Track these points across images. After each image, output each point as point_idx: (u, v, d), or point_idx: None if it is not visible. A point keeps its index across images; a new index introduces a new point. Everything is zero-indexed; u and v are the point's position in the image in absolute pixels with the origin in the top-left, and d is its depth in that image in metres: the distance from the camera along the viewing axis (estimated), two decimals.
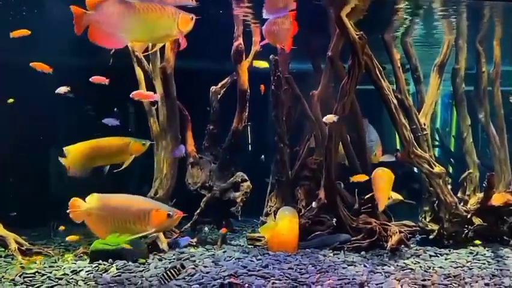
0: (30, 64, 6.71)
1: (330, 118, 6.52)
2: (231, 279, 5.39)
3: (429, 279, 5.48)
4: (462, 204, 7.40)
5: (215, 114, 7.88)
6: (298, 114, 8.23)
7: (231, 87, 7.97)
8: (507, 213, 7.39)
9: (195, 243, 7.26)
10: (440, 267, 6.11)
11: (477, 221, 7.28)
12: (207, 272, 5.77)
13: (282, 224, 7.04)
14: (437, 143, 11.97)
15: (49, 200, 9.54)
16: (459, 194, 7.77)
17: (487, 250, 7.00)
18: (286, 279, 5.45)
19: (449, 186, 7.20)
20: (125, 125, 9.73)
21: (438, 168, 6.98)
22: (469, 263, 6.33)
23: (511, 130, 8.66)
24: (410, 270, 5.90)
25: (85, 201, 5.10)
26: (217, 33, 7.45)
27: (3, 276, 5.69)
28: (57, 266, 6.18)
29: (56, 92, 6.82)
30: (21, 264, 6.31)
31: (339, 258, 6.51)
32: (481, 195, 7.43)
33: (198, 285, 5.31)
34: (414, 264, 6.24)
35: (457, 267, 6.13)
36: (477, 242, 7.18)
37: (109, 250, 6.35)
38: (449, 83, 8.72)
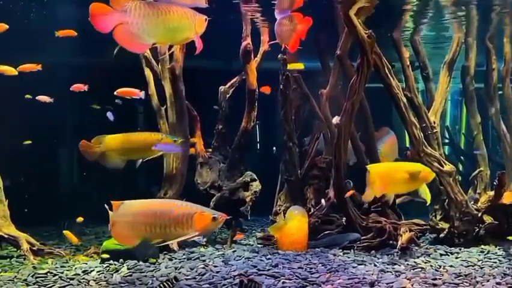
0: (18, 68, 6.75)
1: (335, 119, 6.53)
2: (250, 276, 5.35)
3: (440, 278, 5.43)
4: (472, 202, 7.36)
5: (224, 114, 7.90)
6: (307, 113, 8.25)
7: (240, 87, 7.98)
8: None
9: (204, 243, 7.25)
10: (451, 266, 6.08)
11: (488, 219, 7.24)
12: (217, 272, 5.78)
13: (292, 224, 7.05)
14: (446, 140, 11.91)
15: (60, 199, 9.64)
16: (469, 192, 7.73)
17: (498, 249, 6.95)
18: (296, 279, 5.44)
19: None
20: (135, 125, 9.83)
21: (448, 167, 6.95)
22: (480, 261, 6.29)
23: None
24: (420, 269, 5.87)
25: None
26: (225, 33, 7.54)
27: (15, 276, 5.74)
28: (68, 266, 6.22)
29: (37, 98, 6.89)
30: (33, 264, 6.36)
31: (349, 258, 6.50)
32: (491, 193, 7.38)
33: (208, 285, 5.30)
34: (425, 263, 6.21)
35: (468, 266, 6.09)
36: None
37: (120, 250, 6.35)
38: (459, 80, 8.70)
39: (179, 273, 5.77)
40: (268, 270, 5.81)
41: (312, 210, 7.47)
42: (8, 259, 6.71)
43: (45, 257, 6.72)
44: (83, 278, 5.62)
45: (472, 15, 7.76)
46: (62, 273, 5.83)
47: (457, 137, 12.92)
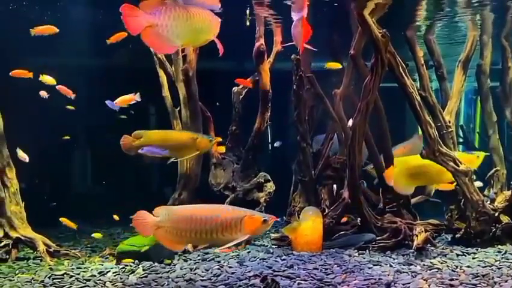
0: (11, 73, 6.80)
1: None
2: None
3: (457, 279, 5.39)
4: (489, 202, 7.29)
5: (237, 114, 7.93)
6: (321, 113, 8.24)
7: (253, 87, 7.99)
8: None
9: None
10: (468, 266, 6.02)
11: (505, 219, 7.17)
12: (232, 273, 5.78)
13: (306, 224, 7.03)
14: (461, 139, 11.82)
15: (74, 201, 9.70)
16: (485, 192, 7.67)
17: None
18: (311, 280, 5.43)
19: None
20: (148, 127, 9.87)
21: (464, 166, 6.86)
22: (498, 262, 6.22)
23: None
24: (437, 270, 5.82)
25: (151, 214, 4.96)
26: (239, 33, 7.55)
27: (33, 278, 5.79)
28: (84, 268, 6.26)
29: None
30: (49, 265, 6.41)
31: (364, 258, 6.47)
32: (508, 193, 7.31)
33: (224, 286, 5.31)
34: (441, 263, 6.15)
35: (485, 266, 6.02)
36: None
37: (135, 251, 6.40)
38: (472, 79, 8.64)
39: (195, 274, 5.78)
40: (284, 271, 5.80)
41: (326, 210, 7.46)
42: (25, 260, 6.76)
43: (62, 258, 6.79)
44: (99, 279, 5.66)
45: (487, 13, 7.68)
46: (78, 274, 5.87)
47: (471, 136, 12.79)
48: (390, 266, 6.06)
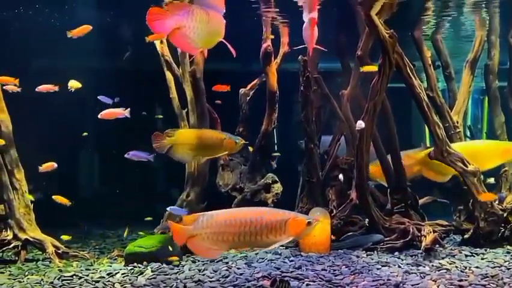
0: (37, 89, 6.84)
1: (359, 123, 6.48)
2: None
3: (466, 280, 5.37)
4: (497, 202, 7.25)
5: (244, 116, 7.96)
6: (328, 114, 8.24)
7: (260, 89, 8.04)
8: None
9: None
10: (477, 267, 6.00)
11: None
12: (241, 274, 5.78)
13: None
14: (469, 140, 11.79)
15: (82, 202, 9.71)
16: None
17: None
18: (320, 281, 5.42)
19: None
20: (156, 129, 9.90)
21: (472, 166, 6.85)
22: (507, 262, 6.18)
23: None
24: (445, 271, 5.80)
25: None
26: (245, 34, 7.57)
27: (42, 279, 5.82)
28: (93, 269, 6.30)
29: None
30: (58, 267, 6.45)
31: (372, 259, 6.45)
32: None
33: (232, 287, 5.32)
34: (450, 264, 6.13)
35: (494, 267, 6.00)
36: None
37: (143, 252, 6.44)
38: (479, 79, 8.62)
39: (203, 275, 5.79)
40: (292, 272, 5.79)
41: (334, 211, 7.43)
42: (34, 262, 6.81)
43: (70, 260, 6.84)
44: (108, 281, 5.68)
45: (495, 12, 7.66)
46: (87, 275, 5.89)
47: (478, 136, 12.76)
48: (399, 266, 6.05)
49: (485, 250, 6.83)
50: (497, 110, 8.12)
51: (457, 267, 6.00)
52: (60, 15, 7.74)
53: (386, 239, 6.93)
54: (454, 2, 7.38)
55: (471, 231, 7.10)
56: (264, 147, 7.79)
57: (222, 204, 7.38)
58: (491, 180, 7.58)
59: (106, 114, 6.83)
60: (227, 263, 6.39)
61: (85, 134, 7.39)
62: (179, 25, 4.59)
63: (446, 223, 7.25)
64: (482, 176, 6.94)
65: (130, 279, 5.73)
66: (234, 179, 7.80)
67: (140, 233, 7.49)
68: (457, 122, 7.56)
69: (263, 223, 4.70)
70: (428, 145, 7.56)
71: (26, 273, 6.20)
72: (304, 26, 5.93)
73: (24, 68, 7.08)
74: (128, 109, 6.91)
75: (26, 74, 6.93)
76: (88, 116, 8.46)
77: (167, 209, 7.16)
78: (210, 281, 5.55)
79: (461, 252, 6.70)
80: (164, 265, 6.28)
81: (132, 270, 6.10)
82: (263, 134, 7.72)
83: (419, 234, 6.84)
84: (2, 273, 6.24)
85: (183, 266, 6.28)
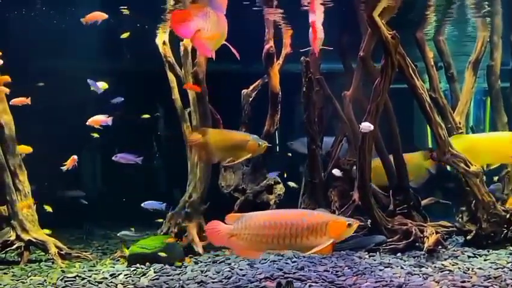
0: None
1: (365, 126, 6.45)
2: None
3: (469, 281, 5.38)
4: (500, 203, 7.25)
5: (246, 117, 7.91)
6: (330, 115, 8.25)
7: (262, 90, 8.01)
8: None
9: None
10: (480, 268, 5.99)
11: None
12: (243, 275, 5.80)
13: None
14: None
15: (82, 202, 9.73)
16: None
17: None
18: (323, 282, 5.44)
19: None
20: (157, 130, 9.90)
21: (475, 167, 6.85)
22: (510, 263, 6.17)
23: None
24: (448, 272, 5.81)
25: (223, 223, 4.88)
26: (247, 35, 7.58)
27: (45, 280, 5.85)
28: (96, 270, 6.32)
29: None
30: (61, 268, 6.47)
31: (375, 260, 6.45)
32: None
33: None
34: (453, 265, 6.14)
35: (497, 268, 5.99)
36: None
37: (146, 253, 6.46)
38: (481, 80, 8.61)
39: (206, 276, 5.81)
40: (294, 273, 5.80)
41: (336, 212, 7.44)
42: (37, 263, 6.84)
43: (73, 260, 6.87)
44: (111, 282, 5.70)
45: (497, 11, 7.66)
46: (90, 276, 5.92)
47: None
48: (402, 268, 6.05)
49: (488, 251, 6.82)
50: (499, 111, 8.11)
51: (459, 268, 6.00)
52: (62, 15, 7.74)
53: (388, 240, 6.94)
54: (457, 2, 7.37)
55: (474, 232, 7.08)
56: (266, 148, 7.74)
57: (224, 205, 7.53)
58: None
59: (92, 121, 6.90)
60: (229, 264, 6.42)
61: (96, 135, 7.49)
62: (201, 27, 4.57)
63: (449, 224, 7.27)
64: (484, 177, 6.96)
65: (132, 280, 5.76)
66: (236, 180, 7.77)
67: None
68: (459, 123, 7.55)
69: (304, 225, 4.70)
70: (430, 146, 7.57)
71: (29, 274, 6.23)
72: (311, 28, 5.98)
73: (24, 68, 7.07)
74: (111, 118, 6.92)
75: (25, 74, 6.97)
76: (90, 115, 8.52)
77: (142, 205, 7.21)
78: (213, 282, 5.57)
79: (463, 254, 6.70)
80: (167, 266, 6.30)
81: (135, 271, 6.12)
82: (265, 135, 7.70)
83: (422, 236, 6.85)
84: (5, 274, 6.27)
85: (186, 267, 6.30)
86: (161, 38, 7.72)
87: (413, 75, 6.85)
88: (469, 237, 7.14)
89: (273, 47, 7.61)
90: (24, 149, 6.96)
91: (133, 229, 7.41)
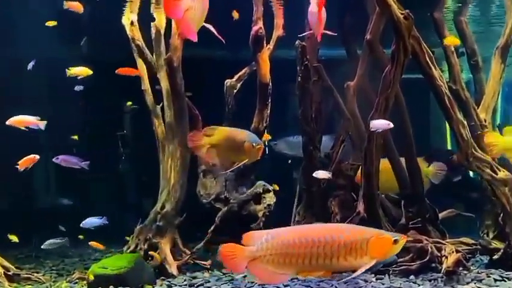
0: None
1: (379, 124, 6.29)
2: None
3: None
4: None
5: (230, 112, 7.86)
6: (330, 110, 8.20)
7: (249, 80, 7.98)
8: None
9: (208, 266, 7.25)
10: None
11: None
12: None
13: None
14: None
15: (36, 217, 9.61)
16: None
17: None
18: None
19: None
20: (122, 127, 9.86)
21: (503, 174, 6.81)
22: None
23: None
24: None
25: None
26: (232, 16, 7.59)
27: None
28: None
29: None
30: None
31: (383, 284, 6.38)
32: None
33: None
34: None
35: None
36: None
37: (109, 275, 6.39)
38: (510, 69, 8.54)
39: None
40: None
41: None
42: None
43: (22, 283, 6.81)
44: None
45: None
46: None
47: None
48: None
49: None
50: None
51: None
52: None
53: (399, 259, 6.84)
54: None
55: (501, 251, 7.02)
56: None
57: (203, 217, 7.63)
58: None
59: (15, 121, 6.72)
60: (209, 287, 6.38)
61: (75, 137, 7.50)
62: (189, 6, 4.64)
63: (472, 241, 7.19)
64: None
65: None
66: (218, 187, 7.72)
67: None
68: (485, 120, 7.50)
69: (341, 242, 4.66)
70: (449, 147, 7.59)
71: None
72: (310, 8, 5.93)
73: None
74: (45, 122, 6.81)
75: None
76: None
77: (81, 224, 7.27)
78: None
79: (489, 276, 6.62)
80: None
81: None
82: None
83: (439, 255, 6.77)
84: None
85: None
86: (128, 17, 7.70)
87: (429, 63, 6.80)
88: (495, 256, 7.06)
89: (263, 28, 7.52)
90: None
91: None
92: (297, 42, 7.37)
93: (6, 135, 7.14)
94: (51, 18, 7.48)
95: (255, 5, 7.58)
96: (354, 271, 4.98)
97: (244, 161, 6.21)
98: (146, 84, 7.68)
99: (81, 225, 7.30)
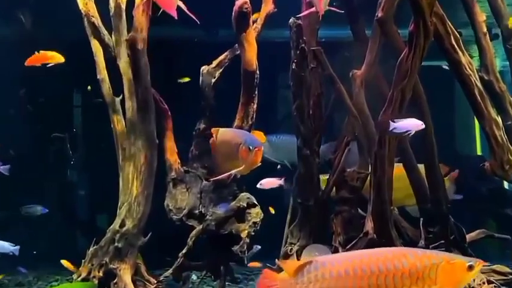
0: None
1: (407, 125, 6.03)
2: None
3: None
4: None
5: (207, 106, 7.71)
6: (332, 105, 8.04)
7: (232, 66, 7.83)
8: None
9: None
10: None
11: None
12: None
13: None
14: None
15: None
16: None
17: None
18: None
19: None
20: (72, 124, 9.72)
21: None
22: None
23: None
24: None
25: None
26: None
27: None
28: None
29: None
30: None
31: None
32: None
33: None
34: None
35: None
36: None
37: None
38: None
39: None
40: None
41: (340, 250, 7.22)
42: None
43: None
44: None
45: None
46: None
47: None
48: None
49: None
50: None
51: None
52: None
53: None
54: None
55: None
56: None
57: (173, 238, 7.49)
58: None
59: None
60: None
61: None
62: None
63: (507, 269, 7.03)
64: None
65: None
66: (191, 200, 7.54)
67: None
68: None
69: (405, 271, 4.50)
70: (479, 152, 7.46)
71: None
72: None
73: None
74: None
75: None
76: None
77: None
78: None
79: None
80: None
81: None
82: None
83: (467, 286, 6.54)
84: None
85: None
86: None
87: (456, 47, 6.79)
88: None
89: (248, 3, 7.28)
90: None
91: None
92: (291, 20, 7.21)
93: None
94: None
95: None
96: None
97: (240, 168, 6.17)
98: (102, 72, 7.66)
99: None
